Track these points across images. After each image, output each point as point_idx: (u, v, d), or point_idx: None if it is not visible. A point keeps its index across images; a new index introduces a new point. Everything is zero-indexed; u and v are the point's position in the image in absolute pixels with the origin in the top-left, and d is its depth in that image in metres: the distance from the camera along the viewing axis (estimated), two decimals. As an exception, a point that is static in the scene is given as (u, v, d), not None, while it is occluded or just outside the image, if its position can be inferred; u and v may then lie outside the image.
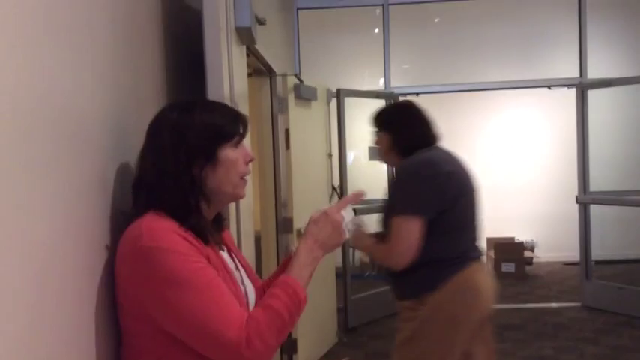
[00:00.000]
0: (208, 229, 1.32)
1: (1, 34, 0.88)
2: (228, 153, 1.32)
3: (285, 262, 1.52)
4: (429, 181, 2.11)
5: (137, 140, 1.37)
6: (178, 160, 1.27)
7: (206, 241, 1.29)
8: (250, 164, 1.40)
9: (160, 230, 1.20)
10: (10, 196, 0.89)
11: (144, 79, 1.64)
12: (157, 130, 1.32)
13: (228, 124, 1.34)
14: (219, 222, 1.43)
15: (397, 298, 2.30)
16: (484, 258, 2.41)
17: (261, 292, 1.51)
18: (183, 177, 1.27)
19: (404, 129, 2.32)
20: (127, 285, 1.22)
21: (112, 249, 1.29)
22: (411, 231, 2.09)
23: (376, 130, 2.41)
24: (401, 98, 5.56)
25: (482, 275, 2.22)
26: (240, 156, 1.35)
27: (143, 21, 1.66)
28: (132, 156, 1.42)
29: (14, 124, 0.91)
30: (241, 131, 1.36)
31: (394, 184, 2.39)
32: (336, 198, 4.84)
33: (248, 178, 1.41)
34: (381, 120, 2.40)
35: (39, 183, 0.99)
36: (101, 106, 1.30)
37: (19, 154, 0.92)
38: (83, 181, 1.18)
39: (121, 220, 1.32)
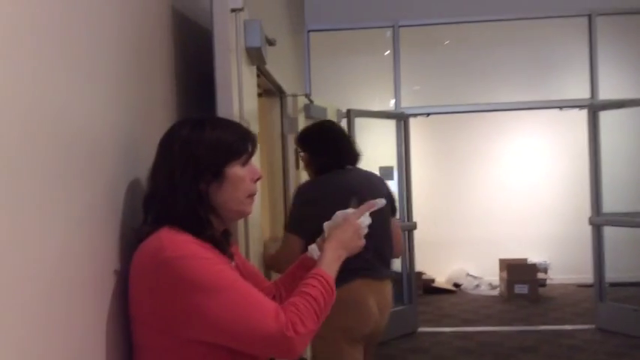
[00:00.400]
0: (222, 241, 1.35)
1: (17, 57, 0.90)
2: (235, 170, 1.34)
3: (300, 261, 1.59)
4: (309, 205, 2.28)
5: (147, 158, 1.38)
6: (186, 174, 1.29)
7: (223, 253, 1.32)
8: (258, 182, 1.41)
9: (180, 242, 1.22)
10: (23, 210, 0.89)
11: (155, 97, 1.66)
12: (167, 144, 1.34)
13: (237, 142, 1.36)
14: (227, 237, 1.44)
15: None
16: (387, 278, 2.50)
17: (274, 289, 1.58)
18: (191, 191, 1.29)
19: (318, 148, 2.44)
20: (146, 299, 1.21)
21: (125, 264, 1.29)
22: (291, 246, 2.29)
23: (298, 148, 2.57)
24: (412, 119, 5.58)
25: (371, 293, 2.32)
26: (248, 174, 1.37)
27: (154, 40, 1.68)
28: (142, 173, 1.43)
29: (26, 142, 0.92)
30: (250, 149, 1.38)
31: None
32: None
33: (256, 197, 1.43)
34: (300, 139, 2.54)
35: (51, 198, 0.99)
36: (113, 125, 1.32)
37: (32, 172, 0.93)
38: (95, 197, 1.19)
39: (132, 237, 1.32)
